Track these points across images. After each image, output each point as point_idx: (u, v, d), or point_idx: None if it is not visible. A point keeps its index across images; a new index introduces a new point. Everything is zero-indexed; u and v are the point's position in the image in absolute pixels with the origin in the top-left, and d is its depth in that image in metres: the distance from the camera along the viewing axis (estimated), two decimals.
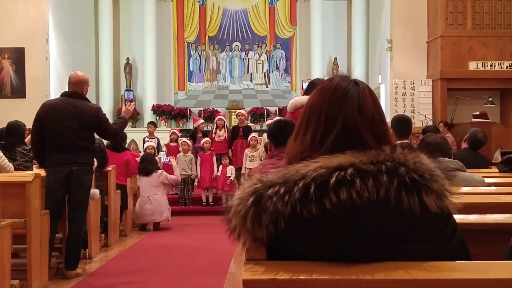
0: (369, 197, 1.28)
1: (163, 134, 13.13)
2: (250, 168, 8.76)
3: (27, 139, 6.30)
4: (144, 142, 11.23)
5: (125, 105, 6.34)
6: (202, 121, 11.55)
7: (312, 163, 1.35)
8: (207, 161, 10.15)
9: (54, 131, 5.35)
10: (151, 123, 11.99)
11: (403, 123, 4.88)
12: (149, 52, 15.40)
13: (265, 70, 16.54)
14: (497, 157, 8.52)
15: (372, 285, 1.23)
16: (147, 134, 11.54)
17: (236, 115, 11.21)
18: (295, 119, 3.53)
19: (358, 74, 1.63)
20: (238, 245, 1.40)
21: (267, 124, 10.65)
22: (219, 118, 10.94)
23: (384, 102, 12.58)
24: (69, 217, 5.47)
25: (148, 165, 8.53)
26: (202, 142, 10.34)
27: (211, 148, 10.30)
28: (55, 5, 12.56)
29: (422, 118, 11.52)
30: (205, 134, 11.17)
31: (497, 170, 5.53)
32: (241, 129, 10.68)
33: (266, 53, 16.51)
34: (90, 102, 5.67)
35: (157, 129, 13.49)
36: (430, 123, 10.83)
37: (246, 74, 16.55)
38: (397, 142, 4.19)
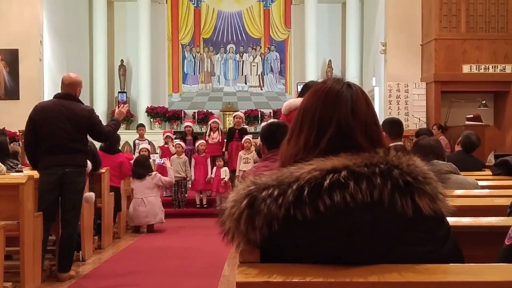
0: (363, 199, 1.28)
1: (157, 136, 13.12)
2: (244, 170, 8.75)
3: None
4: (134, 145, 11.21)
5: (119, 107, 6.32)
6: (187, 123, 11.53)
7: (306, 165, 1.34)
8: (201, 163, 10.15)
9: (46, 133, 5.32)
10: (141, 125, 11.97)
11: (396, 125, 4.89)
12: (143, 54, 15.39)
13: (259, 72, 16.56)
14: (491, 159, 8.56)
15: None
16: (137, 136, 11.52)
17: (234, 117, 11.20)
18: (290, 121, 3.52)
19: (352, 76, 1.63)
20: (232, 248, 1.39)
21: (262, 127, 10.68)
22: (213, 121, 10.95)
23: (378, 105, 12.61)
24: (62, 219, 5.45)
25: (141, 168, 8.50)
26: (197, 144, 10.34)
27: (205, 151, 10.30)
28: (49, 6, 12.54)
29: (416, 120, 11.55)
30: (195, 136, 11.15)
31: (491, 173, 5.54)
32: (237, 131, 10.69)
33: (260, 55, 16.52)
34: (83, 103, 5.64)
35: (151, 131, 13.44)
36: (424, 126, 10.86)
37: (241, 76, 16.57)
38: (391, 144, 4.19)
